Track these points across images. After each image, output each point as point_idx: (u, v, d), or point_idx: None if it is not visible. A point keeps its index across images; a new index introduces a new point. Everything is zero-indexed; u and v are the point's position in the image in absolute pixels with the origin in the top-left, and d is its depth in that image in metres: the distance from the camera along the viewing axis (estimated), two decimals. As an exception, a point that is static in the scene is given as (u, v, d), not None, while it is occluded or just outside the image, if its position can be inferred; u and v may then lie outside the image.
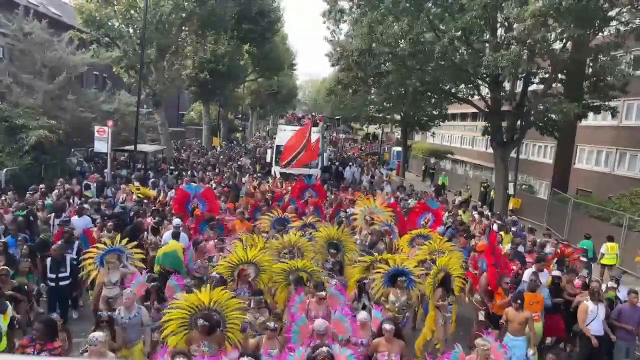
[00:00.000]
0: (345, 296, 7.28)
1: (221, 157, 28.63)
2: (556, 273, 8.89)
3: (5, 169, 14.58)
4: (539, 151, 28.96)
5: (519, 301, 7.37)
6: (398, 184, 24.44)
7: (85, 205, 11.63)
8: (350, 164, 29.05)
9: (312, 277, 7.57)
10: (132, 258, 7.98)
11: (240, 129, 52.96)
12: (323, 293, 6.82)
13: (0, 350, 6.53)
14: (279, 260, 8.21)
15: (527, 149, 30.20)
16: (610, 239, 12.97)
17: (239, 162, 26.01)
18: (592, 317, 7.68)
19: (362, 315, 6.54)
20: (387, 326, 5.91)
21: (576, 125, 22.13)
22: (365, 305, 7.59)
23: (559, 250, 10.36)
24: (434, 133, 35.66)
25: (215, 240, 9.30)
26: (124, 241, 7.97)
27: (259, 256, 7.73)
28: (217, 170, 21.33)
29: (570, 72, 17.66)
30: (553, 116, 16.56)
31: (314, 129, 20.42)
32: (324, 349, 5.17)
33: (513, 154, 20.77)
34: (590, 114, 18.63)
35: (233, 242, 8.95)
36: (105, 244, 7.97)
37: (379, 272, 7.83)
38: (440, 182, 26.45)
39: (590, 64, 17.64)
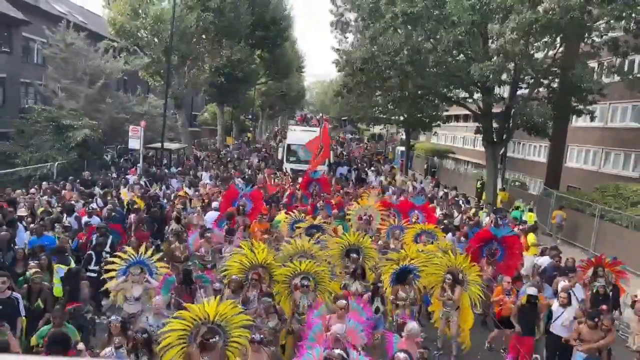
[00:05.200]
0: (367, 311, 7.00)
1: (233, 155, 30.64)
2: (531, 291, 7.70)
3: (56, 163, 16.81)
4: (534, 151, 30.54)
5: (595, 320, 6.92)
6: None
7: (93, 206, 11.88)
8: (373, 168, 29.10)
9: (313, 279, 7.47)
10: (156, 273, 7.52)
11: (251, 129, 54.94)
12: (343, 302, 6.50)
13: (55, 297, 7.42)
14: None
15: (523, 149, 31.84)
16: (530, 210, 17.58)
17: (248, 161, 28.02)
18: (554, 318, 7.88)
19: (411, 326, 6.03)
20: (401, 355, 5.20)
21: (567, 127, 23.76)
22: (378, 308, 7.53)
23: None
24: (436, 133, 36.98)
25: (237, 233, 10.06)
26: (149, 252, 7.55)
27: (269, 259, 7.52)
28: (227, 167, 23.20)
29: (557, 78, 19.39)
30: (535, 118, 18.28)
31: (318, 129, 22.10)
32: (336, 351, 4.92)
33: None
34: (581, 117, 20.31)
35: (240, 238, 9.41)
36: (130, 254, 7.46)
37: (387, 272, 8.01)
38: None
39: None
